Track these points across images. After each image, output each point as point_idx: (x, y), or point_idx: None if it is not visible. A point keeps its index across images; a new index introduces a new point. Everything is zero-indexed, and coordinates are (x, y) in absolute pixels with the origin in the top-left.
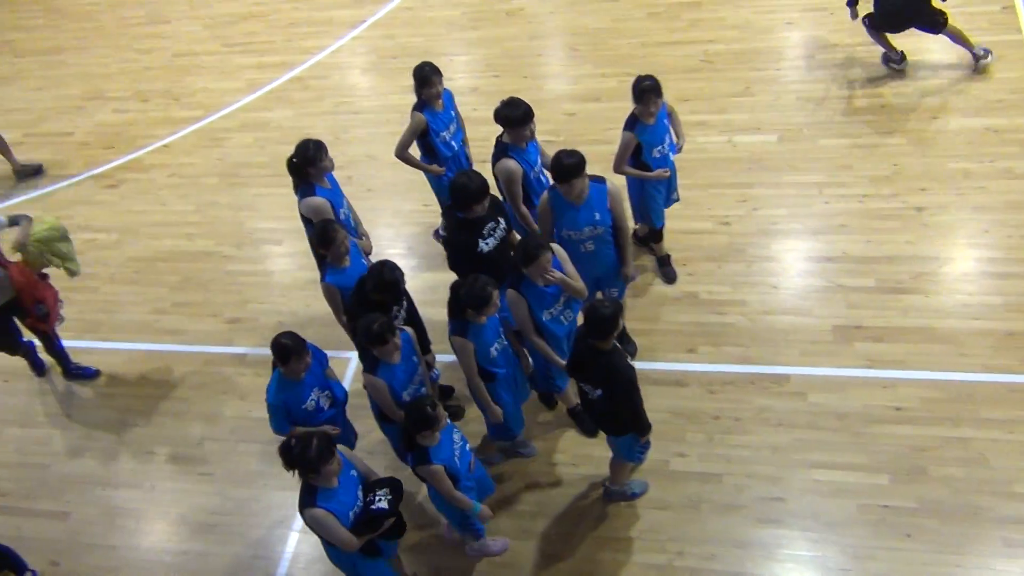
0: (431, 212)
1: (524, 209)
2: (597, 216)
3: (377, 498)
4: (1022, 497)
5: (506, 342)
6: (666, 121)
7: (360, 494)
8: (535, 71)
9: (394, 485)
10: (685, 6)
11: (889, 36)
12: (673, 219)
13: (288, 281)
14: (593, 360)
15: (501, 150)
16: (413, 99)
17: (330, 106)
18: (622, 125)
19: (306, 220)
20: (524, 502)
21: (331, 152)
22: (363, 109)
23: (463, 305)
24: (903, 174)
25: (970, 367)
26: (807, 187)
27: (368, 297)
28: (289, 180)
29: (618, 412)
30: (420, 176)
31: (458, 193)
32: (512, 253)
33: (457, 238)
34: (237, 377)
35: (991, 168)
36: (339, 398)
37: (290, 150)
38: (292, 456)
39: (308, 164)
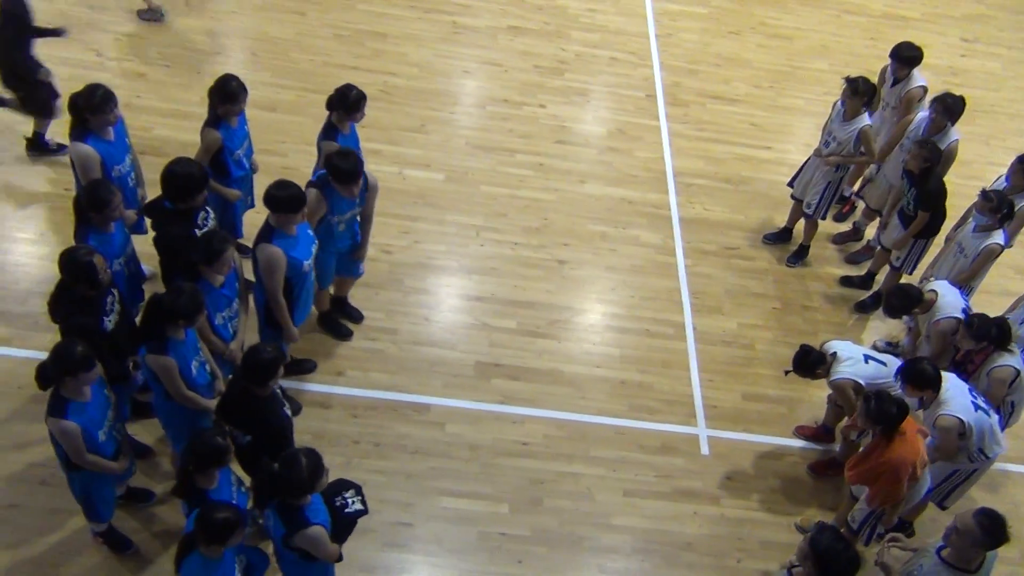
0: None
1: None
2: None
3: (349, 501)
4: (618, 529)
5: (203, 359)
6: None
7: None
8: (211, 68)
9: (352, 484)
10: (371, 35)
11: None
12: None
13: None
14: (246, 404)
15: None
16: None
17: None
18: (294, 139)
19: (73, 167)
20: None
21: None
22: None
23: (174, 316)
24: (551, 228)
25: (587, 409)
26: (466, 228)
27: (72, 292)
28: None
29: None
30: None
31: (181, 182)
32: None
33: (174, 232)
34: None
35: (623, 234)
36: (257, 566)
37: None
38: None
39: (87, 110)
